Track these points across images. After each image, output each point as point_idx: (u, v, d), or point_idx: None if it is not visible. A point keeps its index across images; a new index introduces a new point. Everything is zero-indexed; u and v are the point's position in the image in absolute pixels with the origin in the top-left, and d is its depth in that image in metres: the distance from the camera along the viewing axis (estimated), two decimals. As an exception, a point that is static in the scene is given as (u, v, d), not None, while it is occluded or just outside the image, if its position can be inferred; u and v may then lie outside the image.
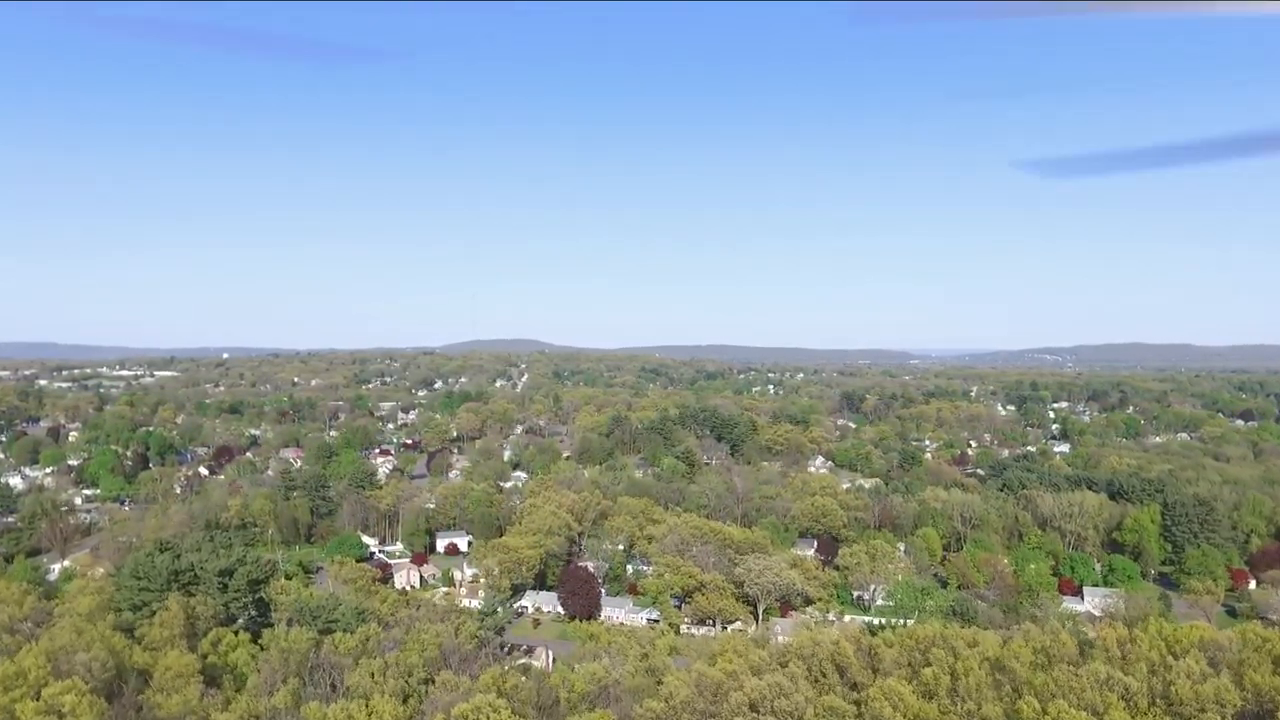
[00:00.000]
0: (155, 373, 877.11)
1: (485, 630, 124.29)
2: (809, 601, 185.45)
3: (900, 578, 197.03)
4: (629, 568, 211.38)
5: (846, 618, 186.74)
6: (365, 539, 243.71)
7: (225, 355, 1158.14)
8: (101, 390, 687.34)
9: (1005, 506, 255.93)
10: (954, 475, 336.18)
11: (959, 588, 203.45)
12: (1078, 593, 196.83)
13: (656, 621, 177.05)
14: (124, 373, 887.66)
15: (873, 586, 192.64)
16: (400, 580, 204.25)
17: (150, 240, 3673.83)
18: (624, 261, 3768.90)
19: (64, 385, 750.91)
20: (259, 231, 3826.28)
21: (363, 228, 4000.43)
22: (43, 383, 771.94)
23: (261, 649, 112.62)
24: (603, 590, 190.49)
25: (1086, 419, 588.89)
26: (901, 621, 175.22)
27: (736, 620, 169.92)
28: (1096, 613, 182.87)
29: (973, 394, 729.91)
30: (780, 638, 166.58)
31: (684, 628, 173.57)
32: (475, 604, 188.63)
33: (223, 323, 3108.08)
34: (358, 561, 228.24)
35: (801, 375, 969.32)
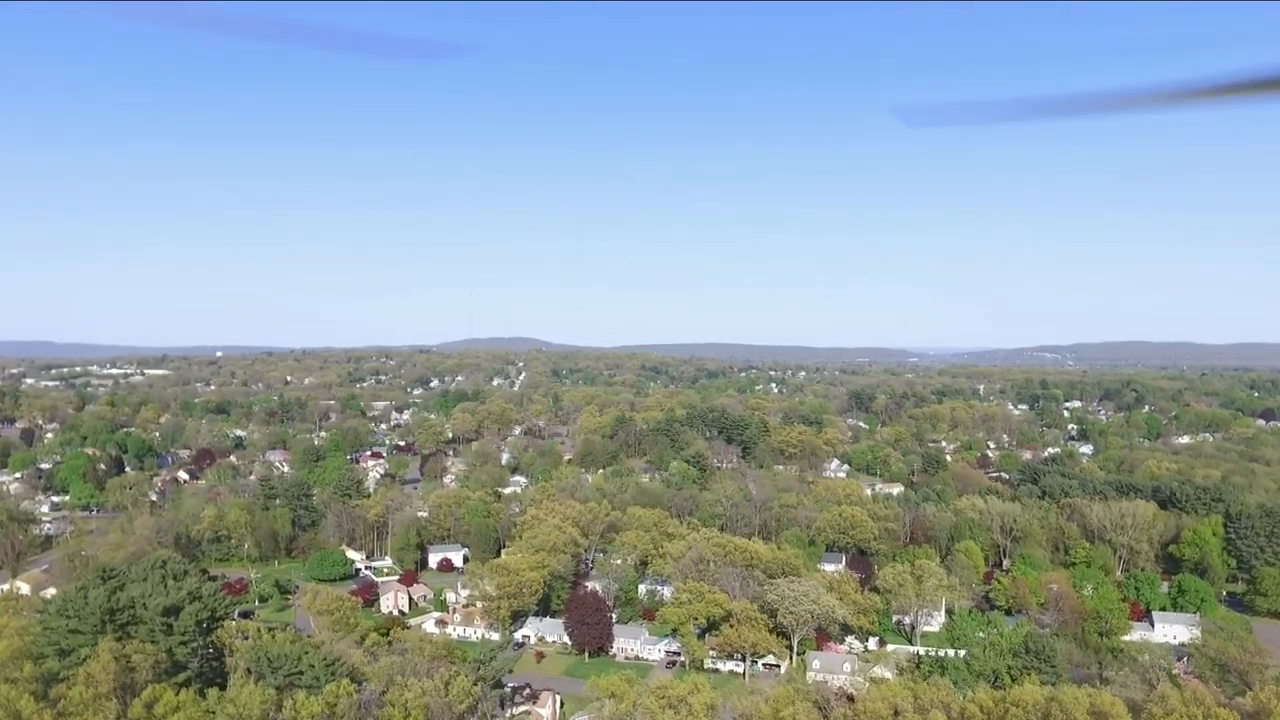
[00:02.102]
0: (146, 371, 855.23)
1: (481, 681, 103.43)
2: (848, 630, 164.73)
3: (947, 601, 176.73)
4: (642, 588, 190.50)
5: (890, 648, 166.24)
6: (350, 554, 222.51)
7: (219, 354, 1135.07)
8: (89, 389, 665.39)
9: (1048, 517, 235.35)
10: (981, 480, 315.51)
11: (1009, 611, 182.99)
12: (1144, 618, 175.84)
13: (676, 654, 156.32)
14: (114, 371, 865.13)
15: (917, 611, 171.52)
16: (387, 603, 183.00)
17: (148, 239, 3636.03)
18: (621, 260, 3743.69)
19: (50, 384, 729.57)
20: (258, 231, 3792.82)
21: (361, 226, 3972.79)
22: (29, 381, 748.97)
23: (209, 713, 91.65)
24: (613, 615, 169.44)
25: (1103, 418, 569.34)
26: (955, 654, 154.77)
27: (769, 655, 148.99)
28: (1172, 641, 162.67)
29: (980, 393, 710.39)
30: (820, 676, 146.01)
31: (708, 662, 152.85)
32: (471, 632, 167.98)
33: (220, 321, 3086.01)
34: (341, 579, 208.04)
35: (804, 374, 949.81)
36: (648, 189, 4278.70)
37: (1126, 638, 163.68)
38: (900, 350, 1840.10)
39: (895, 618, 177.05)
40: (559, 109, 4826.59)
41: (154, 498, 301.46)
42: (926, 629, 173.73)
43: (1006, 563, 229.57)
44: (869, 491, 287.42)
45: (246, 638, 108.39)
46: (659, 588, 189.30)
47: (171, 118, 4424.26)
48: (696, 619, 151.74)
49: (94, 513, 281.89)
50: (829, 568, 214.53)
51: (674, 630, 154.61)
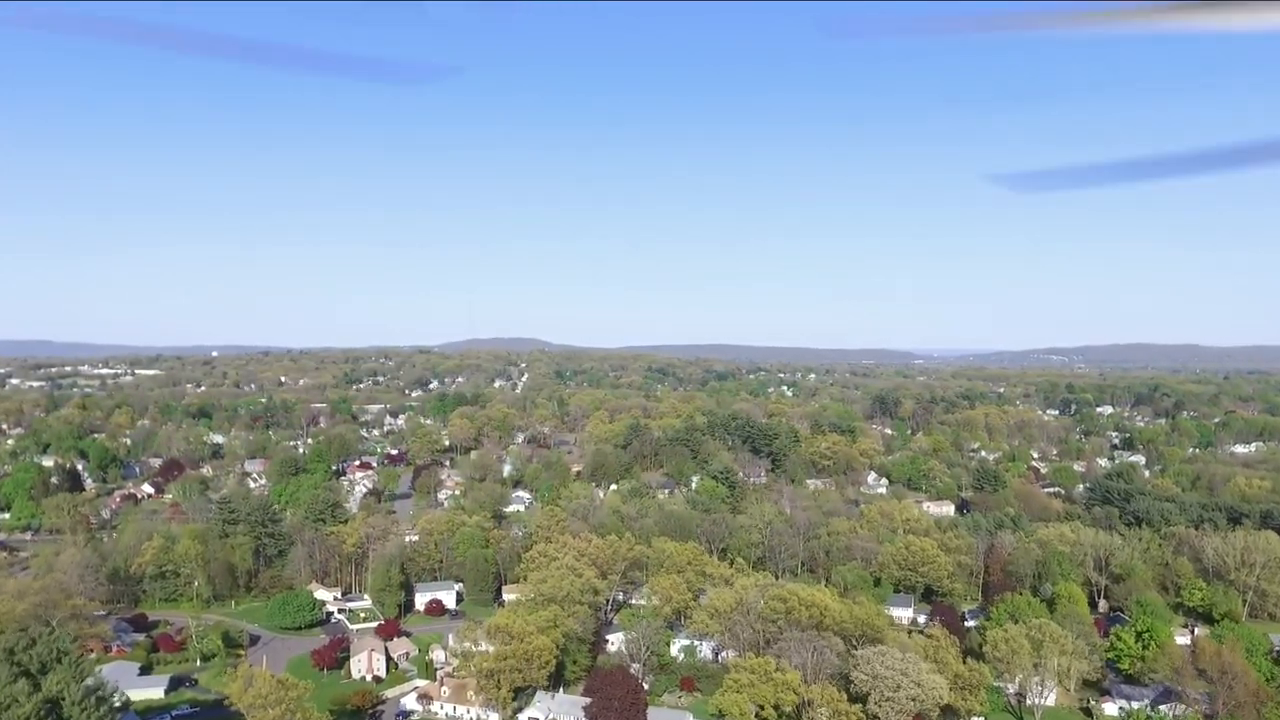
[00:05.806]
0: (137, 371, 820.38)
1: None
2: (950, 712, 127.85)
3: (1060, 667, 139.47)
4: (675, 645, 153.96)
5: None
6: (321, 593, 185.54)
7: (214, 353, 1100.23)
8: (75, 389, 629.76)
9: (1150, 549, 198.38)
10: (1047, 501, 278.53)
11: (1135, 679, 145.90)
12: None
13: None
14: (103, 371, 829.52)
15: (1030, 682, 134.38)
16: (359, 666, 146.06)
17: (149, 239, 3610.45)
18: (623, 260, 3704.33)
19: (37, 384, 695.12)
20: (260, 231, 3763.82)
21: (362, 226, 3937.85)
22: (15, 381, 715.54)
23: None
24: (645, 684, 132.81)
25: (1141, 425, 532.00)
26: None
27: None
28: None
29: (1003, 396, 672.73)
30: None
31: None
32: (463, 712, 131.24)
33: (220, 321, 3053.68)
34: (308, 627, 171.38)
35: (814, 376, 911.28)
36: (653, 191, 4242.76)
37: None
38: (904, 352, 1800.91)
39: (998, 684, 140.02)
40: (559, 109, 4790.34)
41: (107, 516, 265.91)
42: (1045, 703, 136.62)
43: (1102, 604, 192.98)
44: (916, 511, 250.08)
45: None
46: (697, 643, 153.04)
47: (175, 118, 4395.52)
48: (761, 708, 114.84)
49: (32, 535, 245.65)
50: (897, 612, 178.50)
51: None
